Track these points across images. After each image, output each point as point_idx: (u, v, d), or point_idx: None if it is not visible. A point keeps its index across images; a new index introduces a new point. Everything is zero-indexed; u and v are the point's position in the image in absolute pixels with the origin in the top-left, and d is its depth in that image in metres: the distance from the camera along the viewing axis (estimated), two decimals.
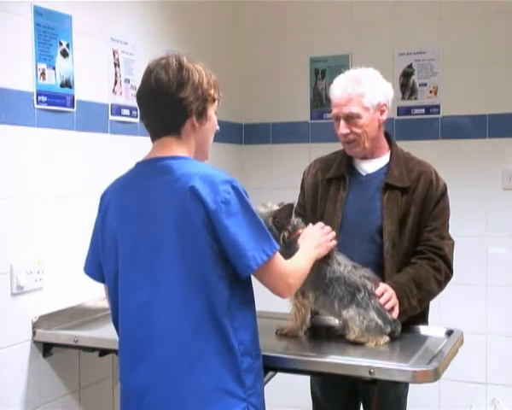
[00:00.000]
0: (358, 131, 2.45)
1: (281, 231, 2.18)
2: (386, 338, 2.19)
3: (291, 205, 2.22)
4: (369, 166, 2.54)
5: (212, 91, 1.89)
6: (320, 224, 2.27)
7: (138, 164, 1.92)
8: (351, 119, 2.44)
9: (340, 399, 2.62)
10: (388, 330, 2.20)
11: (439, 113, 3.69)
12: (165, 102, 1.84)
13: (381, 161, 2.54)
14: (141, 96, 1.91)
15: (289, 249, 2.15)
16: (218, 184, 1.75)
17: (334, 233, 2.25)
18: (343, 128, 2.46)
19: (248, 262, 1.75)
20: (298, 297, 2.23)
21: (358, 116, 2.43)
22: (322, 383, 2.62)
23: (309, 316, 2.28)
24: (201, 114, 1.87)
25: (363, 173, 2.55)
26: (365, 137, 2.46)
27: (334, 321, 2.36)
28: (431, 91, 3.70)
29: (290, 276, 1.89)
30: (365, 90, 2.44)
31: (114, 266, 1.89)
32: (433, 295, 2.43)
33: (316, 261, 2.12)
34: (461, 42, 3.63)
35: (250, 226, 1.76)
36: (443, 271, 2.42)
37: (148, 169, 1.88)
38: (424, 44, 3.70)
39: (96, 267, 1.99)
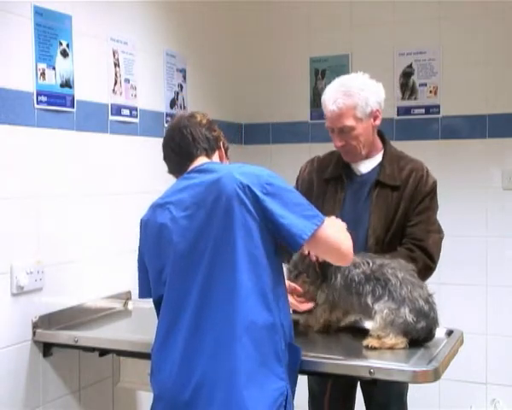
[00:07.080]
0: (353, 142, 2.46)
1: None
2: (405, 342, 2.11)
3: None
4: (363, 167, 2.55)
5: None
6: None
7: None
8: (344, 131, 2.44)
9: (338, 394, 2.62)
10: (420, 325, 2.12)
11: (438, 113, 3.68)
12: (197, 131, 2.07)
13: (375, 160, 2.55)
14: (167, 140, 2.11)
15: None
16: (259, 174, 1.94)
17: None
18: (338, 141, 2.47)
19: (296, 238, 1.89)
20: (335, 311, 2.29)
21: (352, 128, 2.44)
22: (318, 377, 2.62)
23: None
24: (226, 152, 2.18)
25: (358, 174, 2.56)
26: (361, 146, 2.48)
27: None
28: (431, 91, 3.70)
29: (342, 243, 1.99)
30: (357, 102, 2.42)
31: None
32: None
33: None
34: (461, 42, 3.63)
35: (295, 204, 1.92)
36: (420, 261, 2.40)
37: (187, 178, 2.03)
38: (424, 44, 3.70)
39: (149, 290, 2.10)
